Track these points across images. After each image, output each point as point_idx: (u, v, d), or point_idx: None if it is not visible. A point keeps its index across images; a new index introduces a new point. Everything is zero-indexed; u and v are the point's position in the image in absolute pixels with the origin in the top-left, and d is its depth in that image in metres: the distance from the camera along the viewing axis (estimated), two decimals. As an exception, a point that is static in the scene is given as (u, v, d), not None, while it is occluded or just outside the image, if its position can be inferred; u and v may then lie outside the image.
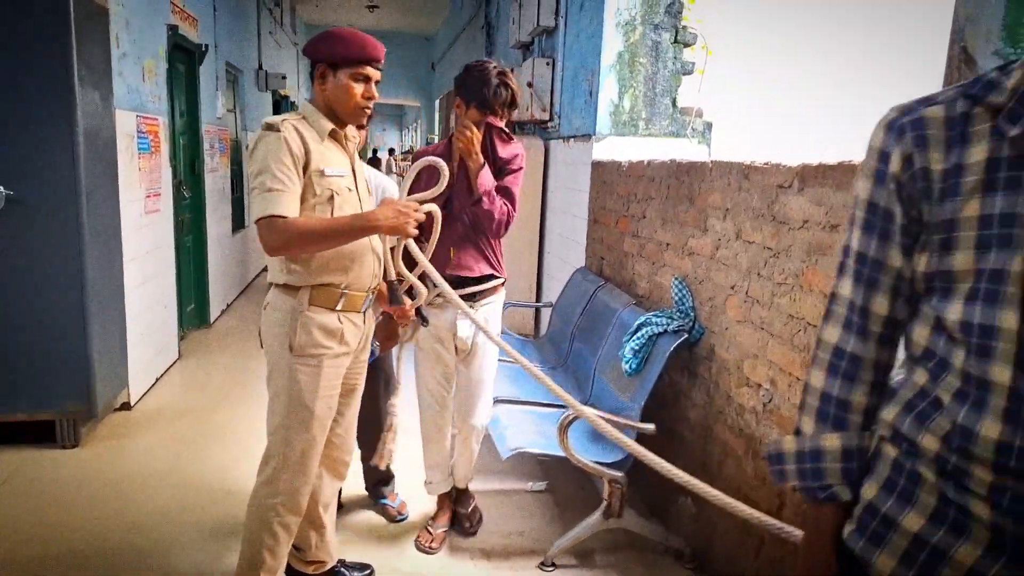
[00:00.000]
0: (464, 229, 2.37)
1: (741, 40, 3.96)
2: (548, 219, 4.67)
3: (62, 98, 2.91)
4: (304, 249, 1.82)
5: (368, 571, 2.33)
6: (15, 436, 3.14)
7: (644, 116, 3.90)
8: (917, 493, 0.88)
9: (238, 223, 6.66)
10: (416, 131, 18.33)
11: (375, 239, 1.97)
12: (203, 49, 5.19)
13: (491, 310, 2.44)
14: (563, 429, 2.36)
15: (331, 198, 1.87)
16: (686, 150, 3.85)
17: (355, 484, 2.73)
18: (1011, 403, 0.78)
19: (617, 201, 3.46)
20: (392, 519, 2.69)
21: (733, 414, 2.28)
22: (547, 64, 4.62)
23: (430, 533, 2.54)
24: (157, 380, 4.11)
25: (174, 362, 4.44)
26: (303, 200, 1.83)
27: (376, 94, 1.92)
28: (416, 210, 1.88)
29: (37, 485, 2.84)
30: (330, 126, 1.90)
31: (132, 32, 3.75)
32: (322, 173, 1.85)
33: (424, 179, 2.12)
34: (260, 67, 7.78)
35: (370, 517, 2.72)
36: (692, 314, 2.57)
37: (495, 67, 2.32)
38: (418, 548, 2.51)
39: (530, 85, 4.67)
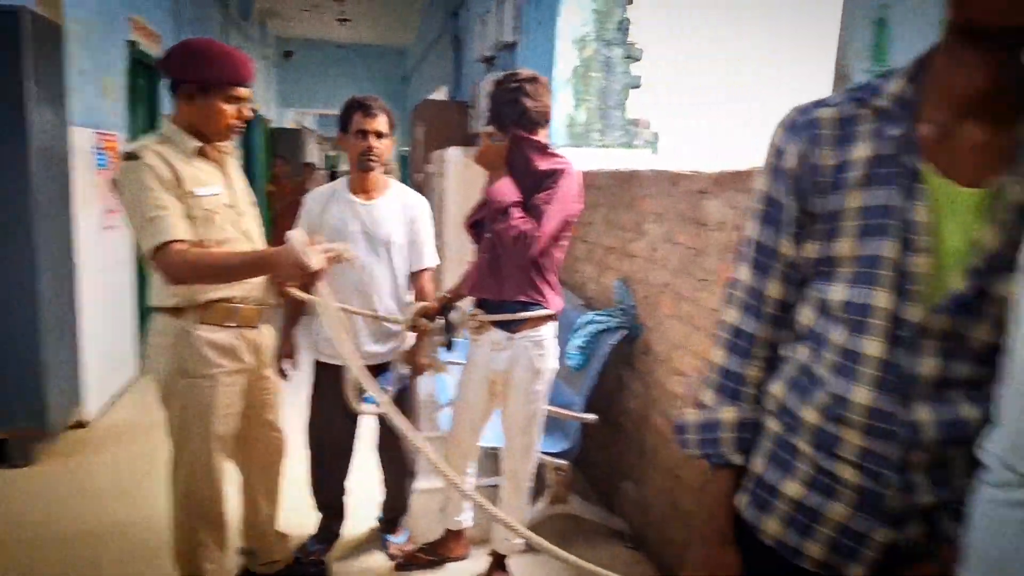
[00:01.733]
0: (489, 246, 2.15)
1: (676, 52, 4.11)
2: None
3: (14, 117, 2.95)
4: (203, 280, 1.76)
5: (322, 566, 2.40)
6: (-33, 455, 3.13)
7: (598, 128, 4.03)
8: (795, 464, 0.97)
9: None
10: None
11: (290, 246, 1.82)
12: (166, 65, 5.24)
13: (524, 346, 2.12)
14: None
15: (209, 218, 1.80)
16: (638, 160, 3.97)
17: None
18: (881, 372, 0.88)
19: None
20: (393, 558, 2.53)
21: (665, 402, 2.40)
22: (505, 77, 4.74)
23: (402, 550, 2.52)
24: (114, 398, 4.10)
25: (133, 380, 4.44)
26: None
27: (250, 113, 1.87)
28: (315, 253, 1.74)
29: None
30: (196, 144, 1.82)
31: (90, 49, 3.79)
32: (193, 194, 1.77)
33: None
34: (227, 83, 7.82)
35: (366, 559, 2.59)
36: (633, 312, 2.67)
37: (515, 81, 2.07)
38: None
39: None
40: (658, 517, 2.41)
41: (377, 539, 2.63)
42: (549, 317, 2.15)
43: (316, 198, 2.39)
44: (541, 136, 2.10)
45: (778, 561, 0.99)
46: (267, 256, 1.77)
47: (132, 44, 4.46)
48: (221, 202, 1.86)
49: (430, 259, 2.43)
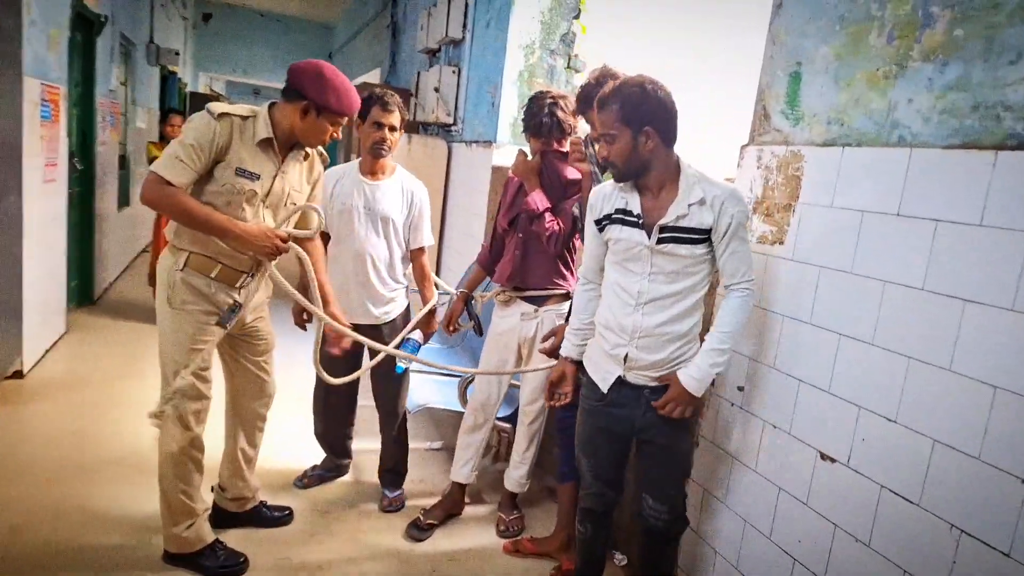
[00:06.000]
0: (522, 244, 2.54)
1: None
2: (448, 216, 5.06)
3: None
4: (172, 217, 2.05)
5: (287, 512, 2.61)
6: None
7: (538, 128, 4.39)
8: None
9: (123, 199, 6.52)
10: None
11: (264, 226, 2.12)
12: (102, 20, 5.13)
13: (549, 316, 2.54)
14: (463, 390, 2.79)
15: (230, 192, 2.04)
16: (572, 161, 4.38)
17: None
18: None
19: (512, 201, 3.92)
20: (383, 509, 2.76)
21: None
22: (453, 72, 5.01)
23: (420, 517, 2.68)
24: (46, 352, 4.09)
25: (61, 336, 4.40)
26: (204, 182, 2.04)
27: (339, 135, 2.19)
28: (284, 241, 2.10)
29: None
30: (265, 136, 2.08)
31: (40, 1, 3.75)
32: (234, 170, 2.04)
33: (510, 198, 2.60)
34: (151, 41, 7.61)
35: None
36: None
37: (550, 98, 2.49)
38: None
39: (436, 90, 5.05)
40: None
41: (375, 492, 2.88)
42: (567, 295, 2.56)
43: (331, 174, 2.64)
44: (564, 145, 2.52)
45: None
46: (239, 231, 2.03)
47: (77, -2, 4.39)
48: (249, 187, 2.08)
49: (426, 239, 2.73)
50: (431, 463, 3.23)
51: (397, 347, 2.58)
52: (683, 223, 1.78)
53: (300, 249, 2.21)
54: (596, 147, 1.92)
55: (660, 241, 1.79)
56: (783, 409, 1.89)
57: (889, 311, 1.60)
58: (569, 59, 4.36)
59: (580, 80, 4.46)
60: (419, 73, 5.69)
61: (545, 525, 2.77)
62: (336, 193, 2.61)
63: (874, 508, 1.60)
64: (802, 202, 1.88)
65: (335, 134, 2.16)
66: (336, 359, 2.51)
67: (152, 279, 4.89)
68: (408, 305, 2.78)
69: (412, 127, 5.64)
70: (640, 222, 1.82)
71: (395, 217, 2.62)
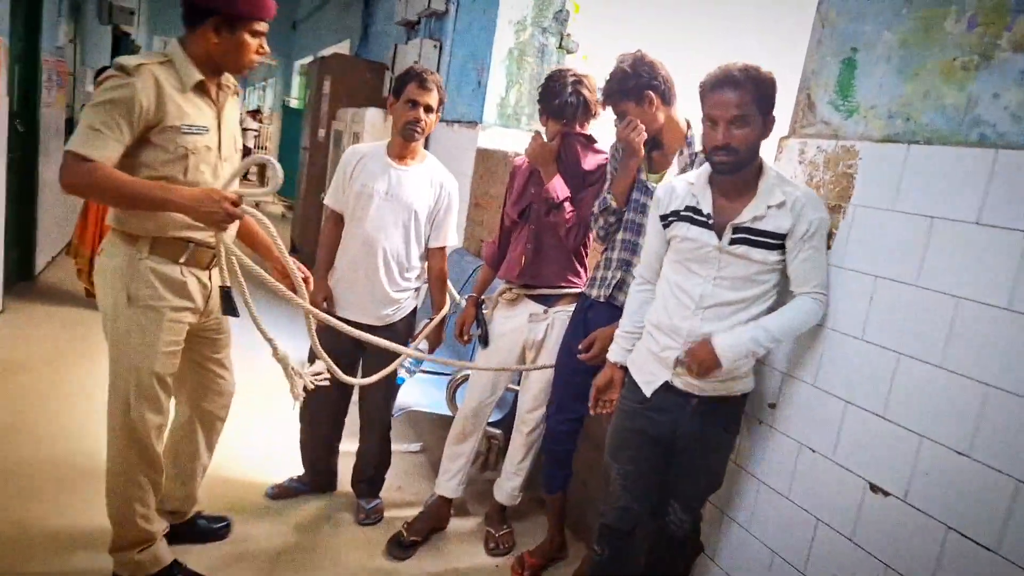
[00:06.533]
0: (534, 237, 2.31)
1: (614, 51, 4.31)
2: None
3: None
4: (100, 200, 1.70)
5: (224, 523, 2.32)
6: None
7: (527, 112, 4.15)
8: None
9: (70, 168, 6.03)
10: (266, 90, 17.24)
11: (207, 188, 1.78)
12: (50, -32, 4.67)
13: (560, 318, 2.32)
14: (452, 391, 2.55)
15: (185, 156, 1.74)
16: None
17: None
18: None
19: (501, 188, 3.67)
20: (359, 522, 2.52)
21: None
22: (435, 47, 4.71)
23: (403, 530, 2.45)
24: (-23, 332, 3.69)
25: (-4, 313, 4.00)
26: (146, 154, 1.72)
27: (267, 49, 1.85)
28: (233, 203, 1.72)
29: None
30: (198, 77, 1.76)
31: (-21, -62, 3.33)
32: (178, 130, 1.72)
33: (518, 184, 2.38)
34: (104, -3, 7.05)
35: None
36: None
37: (572, 76, 2.27)
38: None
39: (415, 64, 4.74)
40: (575, 489, 2.60)
41: (349, 502, 2.63)
42: (580, 295, 2.31)
43: (354, 152, 2.40)
44: (586, 127, 2.31)
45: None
46: (178, 198, 1.68)
47: (22, -60, 3.94)
48: (203, 143, 1.78)
49: (449, 238, 2.48)
50: (409, 467, 2.99)
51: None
52: (759, 225, 1.66)
53: (257, 213, 1.87)
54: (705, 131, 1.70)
55: (732, 242, 1.67)
56: (824, 432, 1.71)
57: (963, 331, 1.42)
58: (562, 38, 4.12)
59: (572, 61, 4.24)
60: (396, 47, 5.37)
61: (536, 540, 2.56)
62: (356, 174, 2.36)
63: (938, 551, 1.43)
64: (855, 203, 1.69)
65: (261, 48, 1.82)
66: (329, 356, 2.23)
67: (88, 265, 4.37)
68: (415, 309, 2.52)
69: (384, 101, 5.31)
70: (710, 222, 1.70)
71: (418, 208, 2.36)
